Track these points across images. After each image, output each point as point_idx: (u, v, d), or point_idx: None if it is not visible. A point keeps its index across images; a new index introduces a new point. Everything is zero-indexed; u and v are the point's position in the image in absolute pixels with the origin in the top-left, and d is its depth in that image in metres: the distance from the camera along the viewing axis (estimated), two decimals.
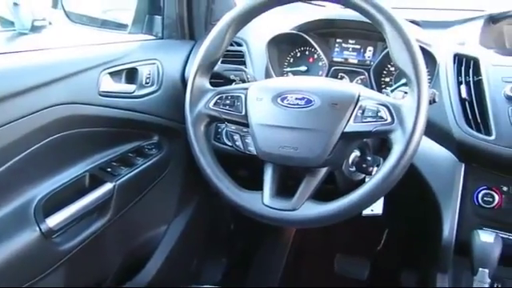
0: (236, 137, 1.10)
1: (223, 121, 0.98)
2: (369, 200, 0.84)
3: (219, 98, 0.95)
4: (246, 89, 0.95)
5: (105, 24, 1.45)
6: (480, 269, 0.91)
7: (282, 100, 0.90)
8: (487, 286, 0.91)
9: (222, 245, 1.73)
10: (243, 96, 0.94)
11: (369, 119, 0.84)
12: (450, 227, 1.06)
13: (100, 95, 1.09)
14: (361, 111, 0.85)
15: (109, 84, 1.11)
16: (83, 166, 1.11)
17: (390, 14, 0.84)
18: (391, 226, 1.69)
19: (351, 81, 1.26)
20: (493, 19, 1.24)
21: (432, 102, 0.93)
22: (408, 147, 0.80)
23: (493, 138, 0.97)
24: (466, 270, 1.02)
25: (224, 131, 1.22)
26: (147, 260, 1.37)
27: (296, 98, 0.89)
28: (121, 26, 1.40)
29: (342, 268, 1.72)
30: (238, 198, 0.92)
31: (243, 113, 0.93)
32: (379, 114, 0.84)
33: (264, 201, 0.90)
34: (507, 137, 0.96)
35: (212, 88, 0.97)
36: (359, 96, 0.86)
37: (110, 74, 1.12)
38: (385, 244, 1.72)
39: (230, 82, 1.11)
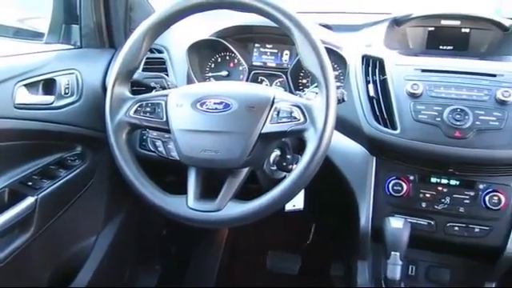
0: (158, 143, 1.11)
1: (144, 128, 0.99)
2: (288, 196, 0.89)
3: (139, 106, 0.96)
4: (166, 95, 0.96)
5: (19, 34, 1.41)
6: (392, 252, 0.99)
7: (201, 105, 0.93)
8: (399, 267, 0.98)
9: (155, 251, 1.73)
10: (163, 103, 0.96)
11: (284, 120, 0.89)
12: (366, 216, 1.14)
13: (16, 108, 1.06)
14: (276, 113, 0.90)
15: (25, 96, 1.09)
16: (2, 181, 1.07)
17: (297, 19, 0.89)
18: (317, 220, 1.77)
19: (270, 84, 1.32)
20: (397, 22, 1.33)
21: (341, 101, 1.00)
22: (320, 144, 0.86)
23: (398, 131, 1.06)
24: (384, 256, 1.10)
25: (149, 138, 1.23)
26: (77, 273, 1.35)
27: (214, 103, 0.92)
28: (37, 36, 1.36)
29: (274, 264, 1.78)
30: (163, 202, 0.94)
31: (164, 119, 0.95)
32: (293, 115, 0.89)
33: (188, 204, 0.92)
34: (410, 130, 1.05)
35: (132, 96, 0.98)
36: (274, 98, 0.91)
37: (26, 85, 1.09)
38: (313, 238, 1.79)
39: (150, 89, 1.12)
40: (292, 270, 1.75)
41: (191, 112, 0.93)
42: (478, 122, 1.01)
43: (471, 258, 1.18)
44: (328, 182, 1.16)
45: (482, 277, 1.16)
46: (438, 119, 1.03)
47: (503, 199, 1.06)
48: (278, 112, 0.90)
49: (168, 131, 0.95)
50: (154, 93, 1.03)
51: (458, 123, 1.01)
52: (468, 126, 1.01)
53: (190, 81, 1.28)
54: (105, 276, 1.41)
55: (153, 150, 1.17)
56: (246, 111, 0.91)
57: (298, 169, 0.87)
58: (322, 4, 1.70)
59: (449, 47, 1.33)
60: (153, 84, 1.11)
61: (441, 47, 1.33)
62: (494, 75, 1.06)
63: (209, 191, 0.95)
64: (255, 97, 0.93)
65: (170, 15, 0.97)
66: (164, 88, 1.10)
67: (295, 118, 0.89)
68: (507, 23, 1.25)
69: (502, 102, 1.02)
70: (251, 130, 0.90)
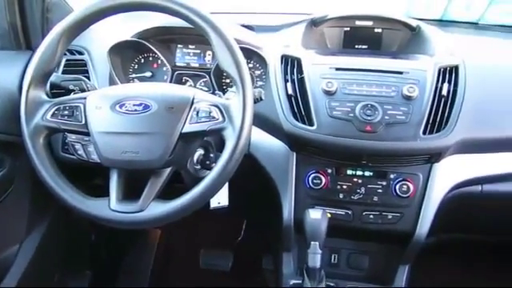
0: (78, 146, 1.10)
1: (63, 131, 0.98)
2: (208, 193, 0.92)
3: (57, 109, 0.95)
4: (85, 98, 0.96)
5: None
6: (312, 242, 1.04)
7: (121, 107, 0.93)
8: (319, 256, 1.04)
9: (85, 257, 1.69)
10: (82, 105, 0.95)
11: (203, 119, 0.92)
12: (288, 209, 1.19)
13: None
14: (195, 113, 0.92)
15: None
16: None
17: (211, 20, 0.92)
18: (248, 216, 1.81)
19: (195, 84, 1.34)
20: (314, 22, 1.38)
21: (259, 99, 1.04)
22: (238, 142, 0.89)
23: (314, 127, 1.11)
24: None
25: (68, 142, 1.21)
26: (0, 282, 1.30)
27: (134, 105, 0.93)
28: None
29: (206, 262, 1.80)
30: (84, 205, 0.93)
31: (83, 122, 0.94)
32: (211, 114, 0.92)
33: (111, 206, 0.93)
34: (326, 126, 1.11)
35: (48, 99, 0.97)
36: (193, 99, 0.93)
37: None
38: (245, 234, 1.83)
39: (70, 92, 1.10)
40: (225, 267, 1.79)
41: (110, 114, 0.93)
42: (386, 117, 1.08)
43: (386, 244, 1.26)
44: (253, 177, 1.20)
45: (397, 260, 1.24)
46: (351, 115, 1.10)
47: (412, 187, 1.14)
48: (198, 112, 0.92)
49: (87, 134, 0.95)
50: (72, 95, 1.02)
51: (369, 118, 1.08)
52: (378, 120, 1.08)
53: (112, 83, 1.27)
54: (31, 283, 1.37)
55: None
56: (166, 112, 0.92)
57: (217, 167, 0.90)
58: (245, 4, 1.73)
59: (364, 46, 1.40)
60: (71, 87, 1.09)
61: (356, 46, 1.40)
62: (401, 72, 1.14)
63: (132, 192, 0.96)
64: (175, 97, 0.94)
65: (86, 17, 0.96)
66: (83, 90, 1.09)
67: (214, 117, 0.92)
68: (414, 24, 1.34)
69: (408, 98, 1.10)
70: (171, 131, 0.91)
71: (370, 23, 1.39)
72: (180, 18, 0.93)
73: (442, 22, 1.65)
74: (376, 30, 1.39)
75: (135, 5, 0.94)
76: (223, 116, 0.91)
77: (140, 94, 0.94)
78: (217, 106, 0.92)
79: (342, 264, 1.30)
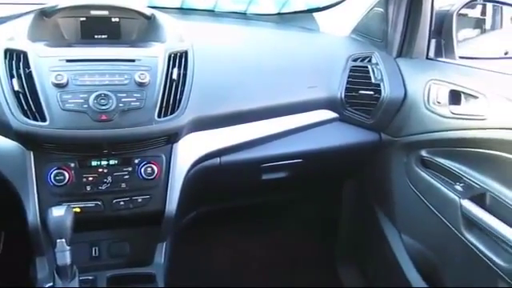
0: None
1: None
2: None
3: None
4: None
5: None
6: (58, 240, 1.01)
7: None
8: (68, 253, 1.02)
9: None
10: None
11: None
12: (33, 212, 1.14)
13: None
14: None
15: None
16: None
17: None
18: (5, 227, 1.65)
19: None
20: (45, 13, 1.31)
21: None
22: None
23: (47, 123, 1.07)
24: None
25: None
26: None
27: None
28: None
29: None
30: None
31: None
32: None
33: None
34: (59, 120, 1.07)
35: None
36: None
37: None
38: (6, 246, 1.67)
39: None
40: None
41: None
42: (121, 104, 1.11)
43: (143, 226, 1.30)
44: None
45: (155, 240, 1.30)
46: (85, 106, 1.09)
47: (156, 169, 1.20)
48: None
49: None
50: None
51: (104, 107, 1.09)
52: (112, 108, 1.10)
53: None
54: None
55: None
56: None
57: None
58: None
59: (103, 36, 1.38)
60: None
61: (96, 36, 1.37)
62: (133, 60, 1.17)
63: None
64: None
65: None
66: None
67: None
68: (149, 12, 1.38)
69: (140, 84, 1.14)
70: None
71: (105, 13, 1.37)
72: None
73: (183, 10, 1.75)
74: (113, 20, 1.38)
75: None
76: None
77: None
78: None
79: (103, 255, 1.30)
